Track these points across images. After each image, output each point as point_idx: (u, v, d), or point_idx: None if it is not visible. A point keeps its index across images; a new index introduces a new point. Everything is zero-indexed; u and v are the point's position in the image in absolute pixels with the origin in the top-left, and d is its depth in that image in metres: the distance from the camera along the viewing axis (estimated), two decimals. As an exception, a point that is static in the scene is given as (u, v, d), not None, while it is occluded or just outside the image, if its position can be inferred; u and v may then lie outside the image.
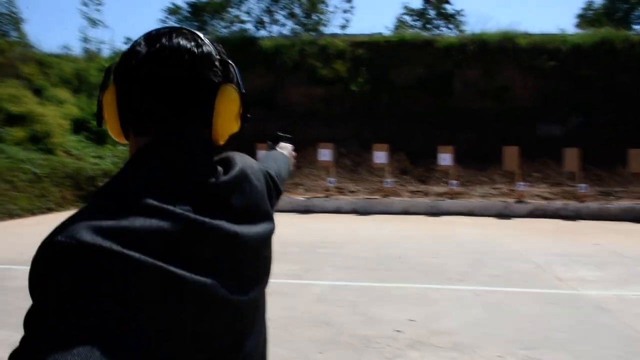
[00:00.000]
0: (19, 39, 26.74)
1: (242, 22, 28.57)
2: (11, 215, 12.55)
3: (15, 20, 28.16)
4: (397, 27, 27.07)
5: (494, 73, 18.45)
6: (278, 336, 4.70)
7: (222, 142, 0.98)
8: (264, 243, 0.95)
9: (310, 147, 17.29)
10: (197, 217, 0.80)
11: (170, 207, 0.77)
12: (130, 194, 0.78)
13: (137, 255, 0.69)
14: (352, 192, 16.05)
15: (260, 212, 0.97)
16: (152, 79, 0.88)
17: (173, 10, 30.28)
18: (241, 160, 0.99)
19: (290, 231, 11.21)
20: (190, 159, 0.86)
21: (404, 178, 16.57)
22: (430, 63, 18.86)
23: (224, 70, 0.95)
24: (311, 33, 23.77)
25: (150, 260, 0.70)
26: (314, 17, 27.11)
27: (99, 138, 17.54)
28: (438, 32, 25.11)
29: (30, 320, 0.65)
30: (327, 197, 15.48)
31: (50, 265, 0.68)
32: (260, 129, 16.98)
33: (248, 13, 28.38)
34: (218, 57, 0.94)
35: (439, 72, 18.61)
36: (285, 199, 15.20)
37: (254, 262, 0.92)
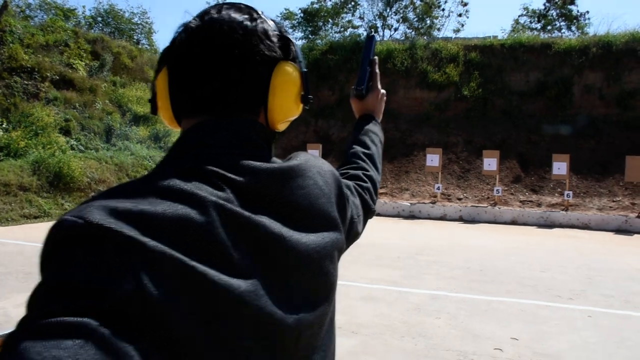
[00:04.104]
0: (148, 47, 29.90)
1: (355, 27, 28.78)
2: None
3: (147, 30, 31.49)
4: (513, 30, 26.00)
5: (618, 78, 17.20)
6: (369, 344, 4.66)
7: (280, 128, 0.89)
8: (324, 255, 0.82)
9: (419, 152, 17.11)
10: (235, 208, 0.70)
11: (203, 193, 0.68)
12: (159, 177, 0.70)
13: (153, 243, 0.61)
14: (459, 199, 15.64)
15: (323, 217, 0.85)
16: (199, 56, 0.80)
17: (287, 16, 31.09)
18: (306, 157, 0.89)
19: (392, 236, 11.13)
20: (234, 143, 0.79)
21: (515, 187, 15.88)
22: (548, 67, 17.96)
23: (283, 47, 0.86)
24: (423, 37, 23.43)
25: (169, 250, 0.61)
26: (427, 21, 26.70)
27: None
28: (558, 34, 23.79)
29: (29, 302, 0.58)
30: (433, 203, 15.21)
31: (53, 245, 0.61)
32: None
33: (361, 18, 28.53)
34: (277, 32, 0.86)
35: (558, 76, 17.67)
36: (390, 203, 15.13)
37: (309, 276, 0.79)
